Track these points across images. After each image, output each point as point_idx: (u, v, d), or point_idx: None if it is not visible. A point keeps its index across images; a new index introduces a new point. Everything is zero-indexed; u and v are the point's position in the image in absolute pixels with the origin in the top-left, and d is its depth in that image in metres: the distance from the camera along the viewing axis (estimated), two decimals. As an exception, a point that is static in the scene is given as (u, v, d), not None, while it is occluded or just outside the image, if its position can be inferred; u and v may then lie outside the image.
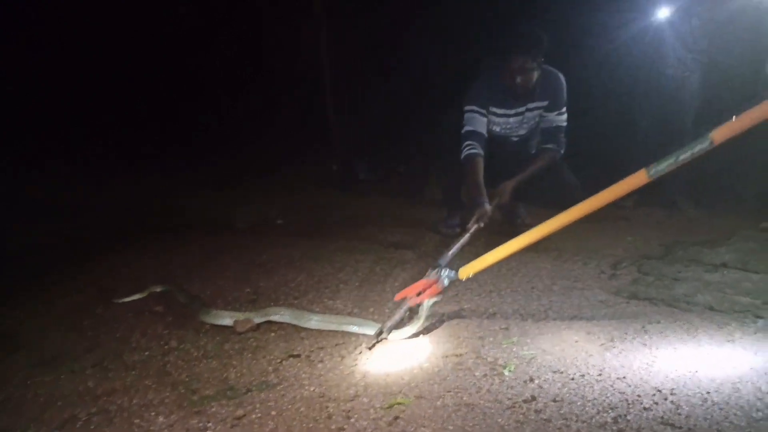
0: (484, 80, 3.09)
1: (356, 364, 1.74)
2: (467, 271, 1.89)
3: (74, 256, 3.10)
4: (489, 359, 1.72)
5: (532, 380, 1.57)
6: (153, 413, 1.53)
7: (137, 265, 2.89)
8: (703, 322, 1.93)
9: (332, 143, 5.30)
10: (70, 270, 2.83)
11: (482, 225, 2.68)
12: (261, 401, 1.55)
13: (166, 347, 1.94)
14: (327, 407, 1.50)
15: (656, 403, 1.42)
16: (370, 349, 1.84)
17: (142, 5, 6.07)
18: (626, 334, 1.86)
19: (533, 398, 1.48)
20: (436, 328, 1.98)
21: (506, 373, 1.62)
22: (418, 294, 1.92)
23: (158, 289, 2.45)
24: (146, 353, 1.90)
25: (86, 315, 2.25)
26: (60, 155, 5.52)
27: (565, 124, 3.10)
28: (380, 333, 1.87)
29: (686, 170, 3.93)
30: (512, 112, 3.09)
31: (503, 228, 3.43)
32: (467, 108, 3.07)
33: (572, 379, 1.57)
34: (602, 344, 1.79)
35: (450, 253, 2.33)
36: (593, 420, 1.37)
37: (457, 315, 2.08)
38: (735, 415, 1.35)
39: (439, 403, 1.48)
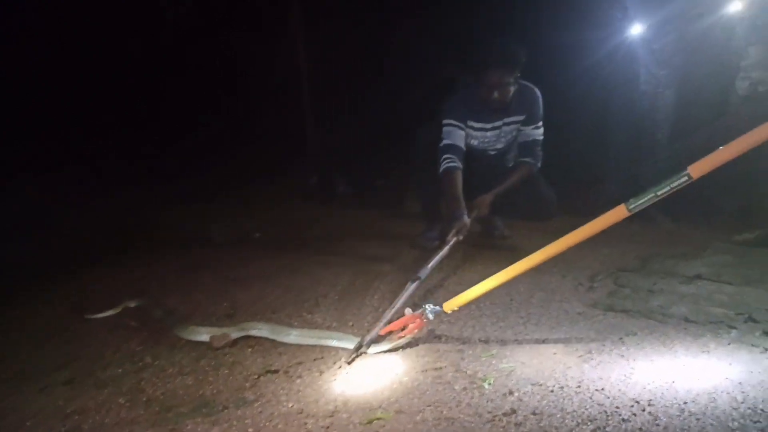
0: (462, 94, 3.12)
1: (335, 379, 1.72)
2: (452, 304, 1.88)
3: (46, 272, 3.03)
4: (468, 372, 1.71)
5: (511, 393, 1.57)
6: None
7: (111, 281, 2.83)
8: (678, 334, 1.96)
9: (310, 157, 5.29)
10: (42, 286, 2.76)
11: (461, 238, 2.70)
12: (238, 418, 1.52)
13: (140, 364, 1.90)
14: (305, 423, 1.47)
15: (635, 415, 1.43)
16: (349, 363, 1.82)
17: (114, 22, 6.02)
18: (604, 345, 1.88)
19: (513, 411, 1.47)
20: (416, 341, 1.97)
21: (486, 386, 1.62)
22: (403, 329, 1.91)
23: (132, 305, 2.40)
24: (119, 370, 1.86)
25: (58, 331, 2.20)
26: (33, 170, 5.40)
27: (541, 137, 3.15)
28: (359, 347, 1.85)
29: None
30: (489, 126, 3.13)
31: (482, 240, 3.46)
32: (445, 122, 3.09)
33: (551, 391, 1.57)
34: (580, 356, 1.80)
35: (429, 266, 2.33)
36: (573, 432, 1.37)
37: (436, 328, 2.08)
38: (711, 425, 1.37)
39: (419, 417, 1.47)
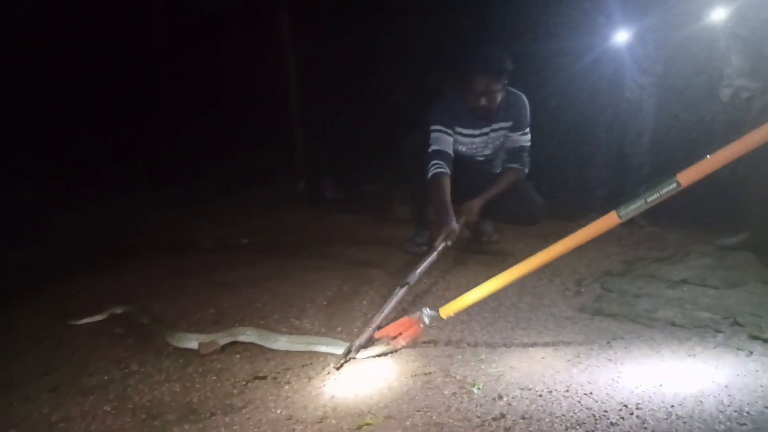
0: (450, 101, 3.14)
1: (324, 385, 1.71)
2: (448, 310, 1.89)
3: (31, 277, 2.99)
4: (458, 377, 1.71)
5: (500, 397, 1.57)
6: (112, 440, 1.47)
7: (97, 287, 2.80)
8: (665, 338, 1.97)
9: (298, 162, 5.28)
10: (26, 293, 2.72)
11: (450, 243, 2.70)
12: (225, 425, 1.51)
13: (126, 371, 1.88)
14: (294, 430, 1.46)
15: (623, 418, 1.44)
16: (337, 369, 1.81)
17: (102, 26, 5.97)
18: (592, 350, 1.89)
19: (502, 416, 1.48)
20: (405, 346, 1.96)
21: (475, 391, 1.62)
22: (399, 334, 1.91)
23: (119, 311, 2.37)
24: (105, 377, 1.83)
25: (42, 338, 2.16)
26: (17, 175, 5.34)
27: (529, 144, 3.17)
28: (348, 352, 1.85)
29: (640, 187, 4.06)
30: (477, 132, 3.14)
31: (470, 246, 3.47)
32: (433, 128, 3.11)
33: (540, 395, 1.58)
34: (569, 360, 1.81)
35: (418, 271, 2.33)
36: (562, 436, 1.37)
37: (425, 333, 2.07)
38: (699, 428, 1.38)
39: (408, 422, 1.46)
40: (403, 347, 1.90)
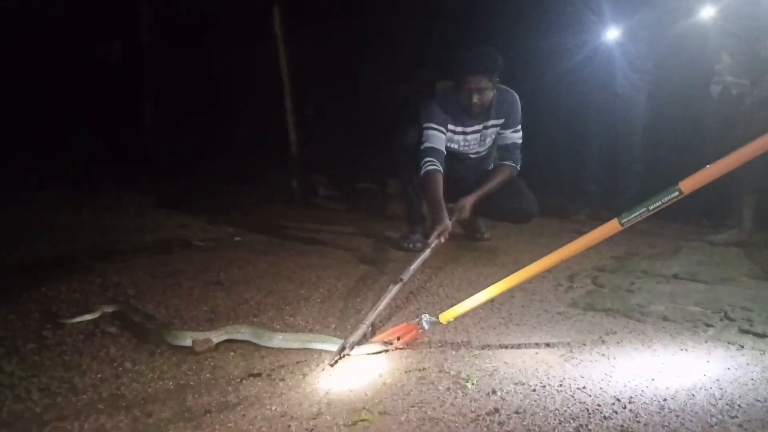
0: (442, 99, 3.15)
1: (318, 382, 1.71)
2: (448, 315, 1.89)
3: (19, 278, 2.94)
4: (452, 373, 1.72)
5: (494, 392, 1.58)
6: (106, 438, 1.46)
7: (87, 285, 2.77)
8: (657, 332, 1.99)
9: (291, 160, 5.27)
10: (14, 292, 2.68)
11: (443, 240, 2.71)
12: (220, 422, 1.50)
13: (119, 369, 1.86)
14: (289, 426, 1.46)
15: (616, 412, 1.45)
16: (332, 365, 1.81)
17: (93, 25, 5.94)
18: (585, 345, 1.90)
19: (496, 410, 1.48)
20: (399, 348, 1.96)
21: (469, 386, 1.62)
22: (397, 339, 1.91)
23: (110, 309, 2.35)
24: (98, 376, 1.82)
25: (31, 338, 2.14)
26: (5, 171, 5.29)
27: (520, 141, 3.19)
28: (343, 349, 1.85)
29: (634, 185, 4.09)
30: (470, 129, 3.15)
31: (464, 243, 3.48)
32: (426, 125, 3.11)
33: (534, 390, 1.59)
34: (562, 355, 1.82)
35: (412, 268, 2.34)
36: (556, 430, 1.38)
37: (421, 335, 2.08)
38: (691, 421, 1.39)
39: (403, 418, 1.47)
40: (397, 348, 1.90)
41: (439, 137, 3.09)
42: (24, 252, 3.48)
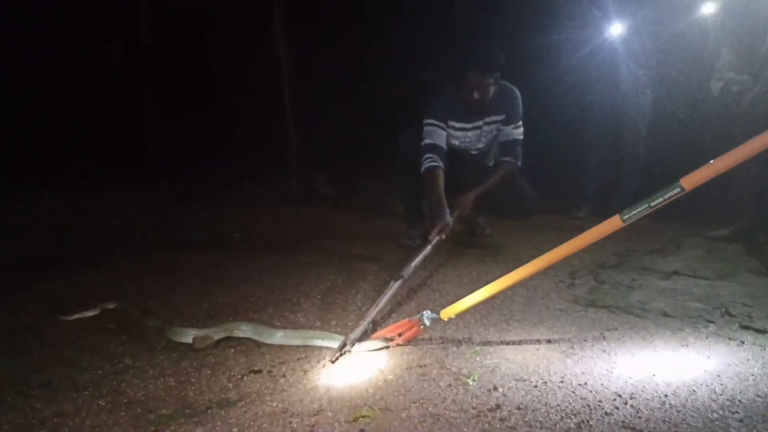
0: (443, 95, 3.14)
1: (319, 378, 1.71)
2: (449, 312, 1.89)
3: (18, 275, 2.94)
4: (453, 369, 1.72)
5: (496, 389, 1.58)
6: (107, 435, 1.46)
7: (87, 282, 2.77)
8: (658, 328, 1.99)
9: (292, 157, 5.27)
10: (14, 289, 2.68)
11: (444, 237, 2.71)
12: (221, 419, 1.50)
13: (120, 366, 1.86)
14: (290, 423, 1.46)
15: (617, 408, 1.45)
16: (333, 362, 1.81)
17: (96, 23, 5.93)
18: (586, 341, 1.90)
19: (498, 407, 1.48)
20: (400, 344, 1.96)
21: (470, 382, 1.62)
22: (398, 335, 1.91)
23: (111, 306, 2.35)
24: (99, 372, 1.82)
25: (31, 335, 2.14)
26: (7, 168, 5.28)
27: (521, 137, 3.18)
28: (343, 346, 1.85)
29: (636, 181, 4.08)
30: (470, 125, 3.15)
31: (464, 239, 3.48)
32: (427, 122, 3.11)
33: (535, 386, 1.59)
34: (563, 351, 1.82)
35: (413, 264, 2.34)
36: (557, 426, 1.38)
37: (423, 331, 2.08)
38: (692, 416, 1.39)
39: (404, 414, 1.47)
40: (398, 344, 1.90)
41: (439, 134, 3.09)
42: (24, 250, 3.48)
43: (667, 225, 3.62)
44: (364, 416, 1.46)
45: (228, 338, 2.02)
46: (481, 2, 4.92)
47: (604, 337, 1.93)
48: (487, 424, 1.40)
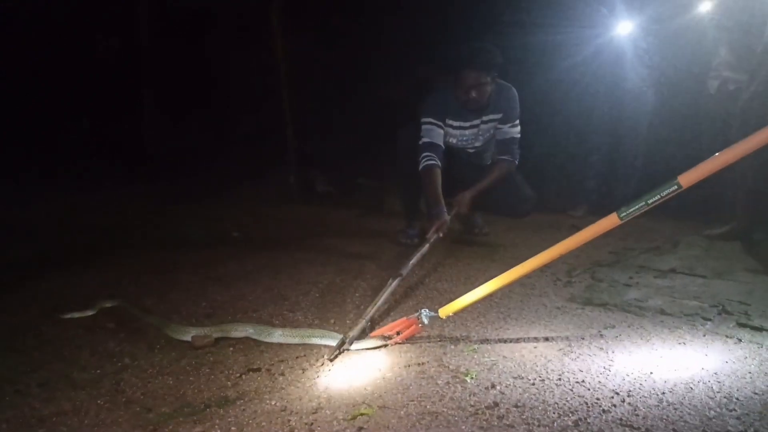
0: (440, 93, 3.14)
1: (318, 376, 1.72)
2: (447, 310, 1.89)
3: (16, 274, 2.94)
4: (451, 367, 1.72)
5: (493, 386, 1.58)
6: (106, 434, 1.46)
7: (85, 281, 2.77)
8: (655, 326, 2.00)
9: (289, 156, 5.27)
10: (12, 288, 2.68)
11: (441, 235, 2.71)
12: (220, 417, 1.50)
13: (118, 365, 1.86)
14: (289, 421, 1.46)
15: (614, 406, 1.45)
16: (331, 360, 1.81)
17: (92, 22, 5.92)
18: (583, 339, 1.91)
19: (496, 404, 1.49)
20: (398, 342, 1.97)
21: (468, 380, 1.63)
22: (396, 333, 1.91)
23: (109, 305, 2.35)
24: (97, 371, 1.82)
25: (30, 334, 2.14)
26: (5, 168, 5.27)
27: (518, 136, 3.18)
28: (342, 344, 1.85)
29: (633, 179, 4.08)
30: (468, 124, 3.15)
31: (462, 237, 3.48)
32: (424, 120, 3.11)
33: (533, 384, 1.59)
34: (560, 349, 1.83)
35: (411, 263, 2.34)
36: (555, 424, 1.38)
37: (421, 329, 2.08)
38: (689, 414, 1.40)
39: (402, 412, 1.47)
40: (397, 343, 1.91)
41: (437, 132, 3.09)
42: (23, 248, 3.47)
43: (665, 223, 3.63)
44: (362, 414, 1.47)
45: (227, 337, 2.03)
46: (481, 1, 4.91)
47: (601, 335, 1.93)
48: (484, 422, 1.41)
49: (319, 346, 1.93)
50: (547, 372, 1.66)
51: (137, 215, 4.48)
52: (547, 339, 1.92)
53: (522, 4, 4.41)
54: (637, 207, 1.62)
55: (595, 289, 2.46)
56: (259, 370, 1.79)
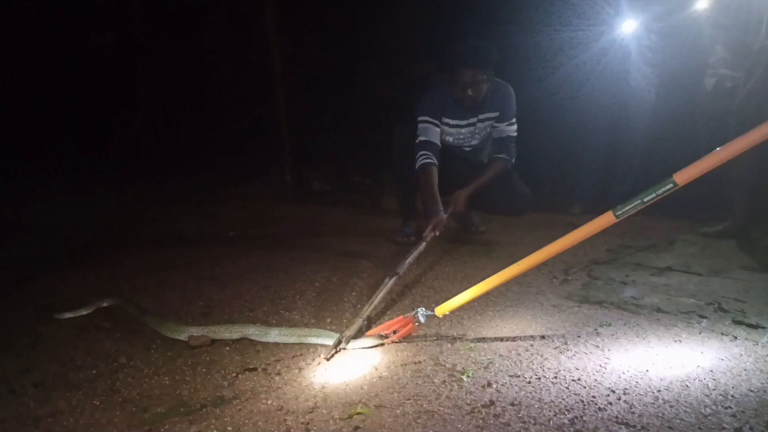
0: (437, 92, 3.14)
1: (314, 376, 1.71)
2: (444, 308, 1.89)
3: (11, 273, 2.93)
4: (447, 366, 1.72)
5: (490, 385, 1.58)
6: (101, 434, 1.45)
7: (80, 281, 2.76)
8: (651, 324, 2.00)
9: (285, 154, 5.26)
10: (6, 288, 2.67)
11: (438, 233, 2.71)
12: (216, 417, 1.50)
13: (114, 364, 1.86)
14: (285, 420, 1.46)
15: (610, 404, 1.45)
16: (328, 359, 1.81)
17: (86, 17, 5.89)
18: (579, 337, 1.91)
19: (492, 403, 1.49)
20: (395, 341, 1.97)
21: (465, 378, 1.63)
22: (393, 332, 1.91)
23: (105, 304, 2.34)
24: (93, 371, 1.81)
25: (25, 333, 2.13)
26: (1, 170, 5.25)
27: (515, 134, 3.18)
28: (338, 343, 1.85)
29: (630, 178, 4.09)
30: (464, 122, 3.15)
31: (458, 236, 3.48)
32: (421, 118, 3.11)
33: (529, 382, 1.59)
34: (557, 347, 1.83)
35: (407, 261, 2.34)
36: (551, 422, 1.38)
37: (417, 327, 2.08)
38: (685, 412, 1.40)
39: (399, 411, 1.47)
40: (393, 341, 1.91)
41: (433, 130, 3.09)
42: (18, 247, 3.46)
43: (661, 221, 3.63)
44: (358, 413, 1.47)
45: (222, 338, 2.02)
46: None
47: (597, 333, 1.93)
48: (481, 420, 1.41)
49: (316, 345, 1.93)
50: (543, 370, 1.66)
51: (132, 214, 4.46)
52: (543, 337, 1.92)
53: (521, 3, 4.41)
54: (632, 205, 1.62)
55: (591, 287, 2.47)
56: (255, 369, 1.78)
